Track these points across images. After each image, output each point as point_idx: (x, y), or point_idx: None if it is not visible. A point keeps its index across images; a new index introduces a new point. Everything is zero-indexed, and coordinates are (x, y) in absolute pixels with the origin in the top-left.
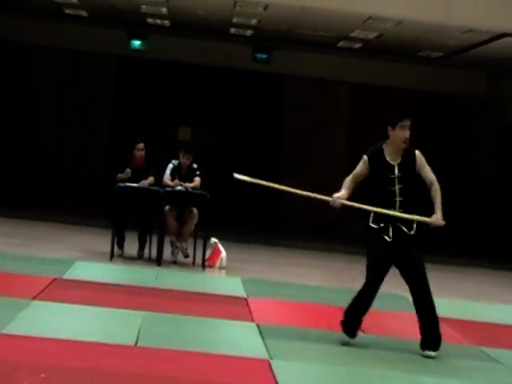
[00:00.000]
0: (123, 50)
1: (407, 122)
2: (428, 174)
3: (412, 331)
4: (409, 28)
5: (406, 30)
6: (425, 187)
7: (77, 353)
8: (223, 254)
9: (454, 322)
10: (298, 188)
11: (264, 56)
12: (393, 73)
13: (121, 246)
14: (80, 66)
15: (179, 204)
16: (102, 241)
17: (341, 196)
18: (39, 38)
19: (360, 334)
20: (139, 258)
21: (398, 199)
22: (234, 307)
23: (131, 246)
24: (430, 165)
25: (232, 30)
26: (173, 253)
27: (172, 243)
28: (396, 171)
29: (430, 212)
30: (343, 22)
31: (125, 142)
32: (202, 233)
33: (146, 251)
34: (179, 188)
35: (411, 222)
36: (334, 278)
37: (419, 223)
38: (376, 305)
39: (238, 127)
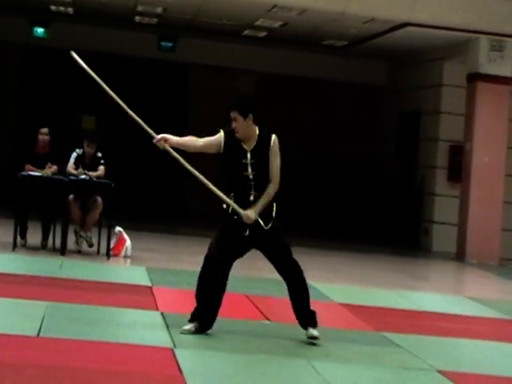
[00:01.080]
0: (26, 38)
1: (231, 114)
2: (272, 167)
3: None
4: (312, 17)
5: (309, 19)
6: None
7: None
8: (128, 242)
9: (355, 307)
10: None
11: (169, 44)
12: (298, 61)
13: (23, 236)
14: None
15: (83, 193)
16: (4, 231)
17: (170, 139)
18: None
19: (262, 321)
20: (43, 247)
21: (252, 184)
22: (139, 296)
23: (34, 236)
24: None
25: (137, 18)
26: (77, 242)
27: (76, 232)
28: (249, 157)
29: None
30: (248, 11)
31: (28, 130)
32: (107, 222)
33: (50, 241)
34: (83, 177)
35: (269, 213)
36: (238, 267)
37: (277, 213)
38: (276, 292)
39: (143, 116)
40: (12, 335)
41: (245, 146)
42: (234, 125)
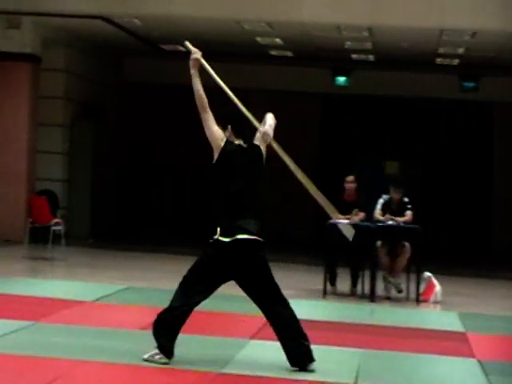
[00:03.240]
0: (328, 87)
1: None
2: None
3: None
4: None
5: None
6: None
7: None
8: (438, 287)
9: None
10: None
11: (471, 84)
12: None
13: (333, 283)
14: (286, 106)
15: (391, 239)
16: (314, 278)
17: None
18: (245, 81)
19: None
20: (352, 294)
21: None
22: (453, 343)
23: (343, 283)
24: None
25: (438, 60)
26: (386, 288)
27: (385, 278)
28: None
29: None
30: None
31: (331, 177)
32: (415, 267)
33: (359, 287)
34: (390, 222)
35: None
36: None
37: None
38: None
39: (447, 158)
40: (329, 383)
41: None
42: None
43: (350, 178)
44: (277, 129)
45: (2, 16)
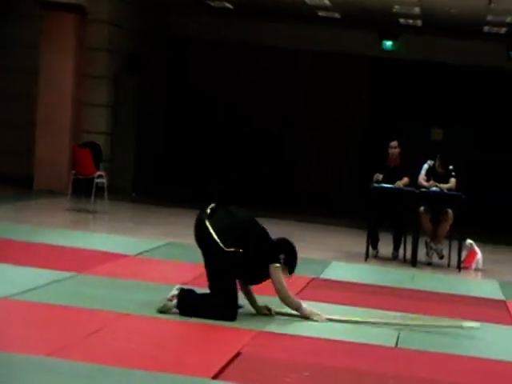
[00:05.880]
0: (375, 51)
1: None
2: None
3: None
4: None
5: None
6: None
7: (338, 353)
8: (479, 255)
9: None
10: None
11: None
12: None
13: (375, 247)
14: (333, 68)
15: (434, 205)
16: (356, 241)
17: None
18: (292, 42)
19: None
20: (394, 258)
21: None
22: (493, 310)
23: (385, 247)
24: None
25: (485, 29)
26: (428, 254)
27: (427, 244)
28: None
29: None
30: None
31: (377, 141)
32: (457, 234)
33: (401, 252)
34: (434, 189)
35: None
36: None
37: None
38: None
39: (491, 126)
40: (371, 345)
41: None
42: None
43: (394, 143)
44: (326, 90)
45: None
